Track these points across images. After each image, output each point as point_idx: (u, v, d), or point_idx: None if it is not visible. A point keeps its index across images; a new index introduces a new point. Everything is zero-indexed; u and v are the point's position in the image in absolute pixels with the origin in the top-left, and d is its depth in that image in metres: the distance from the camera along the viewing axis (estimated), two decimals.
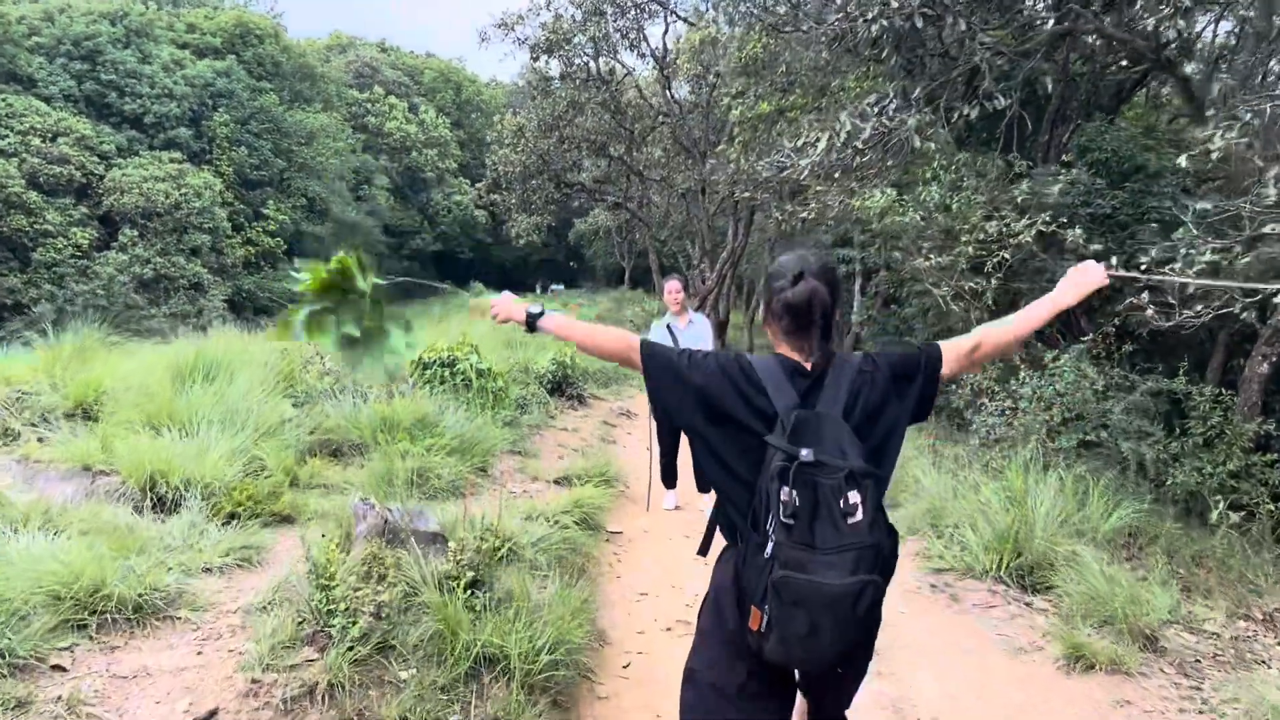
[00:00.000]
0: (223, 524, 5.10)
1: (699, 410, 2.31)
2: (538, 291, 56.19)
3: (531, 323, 2.62)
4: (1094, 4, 9.86)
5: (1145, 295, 7.26)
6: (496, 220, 44.00)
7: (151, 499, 5.23)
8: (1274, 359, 9.05)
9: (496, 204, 23.25)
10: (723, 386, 2.28)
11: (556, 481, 7.36)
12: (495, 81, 65.36)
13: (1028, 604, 5.51)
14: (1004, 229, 8.22)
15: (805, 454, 2.05)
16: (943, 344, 2.47)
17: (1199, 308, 7.24)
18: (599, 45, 19.63)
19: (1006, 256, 8.19)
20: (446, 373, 8.52)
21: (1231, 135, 5.68)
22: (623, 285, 46.60)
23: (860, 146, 9.37)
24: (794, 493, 2.03)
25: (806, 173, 9.54)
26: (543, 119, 19.89)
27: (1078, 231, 7.94)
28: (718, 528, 2.42)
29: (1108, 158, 11.11)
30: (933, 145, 8.84)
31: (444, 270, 59.41)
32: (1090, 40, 11.78)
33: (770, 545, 2.05)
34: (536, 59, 20.24)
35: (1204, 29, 11.08)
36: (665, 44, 21.51)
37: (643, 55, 21.43)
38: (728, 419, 2.27)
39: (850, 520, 2.04)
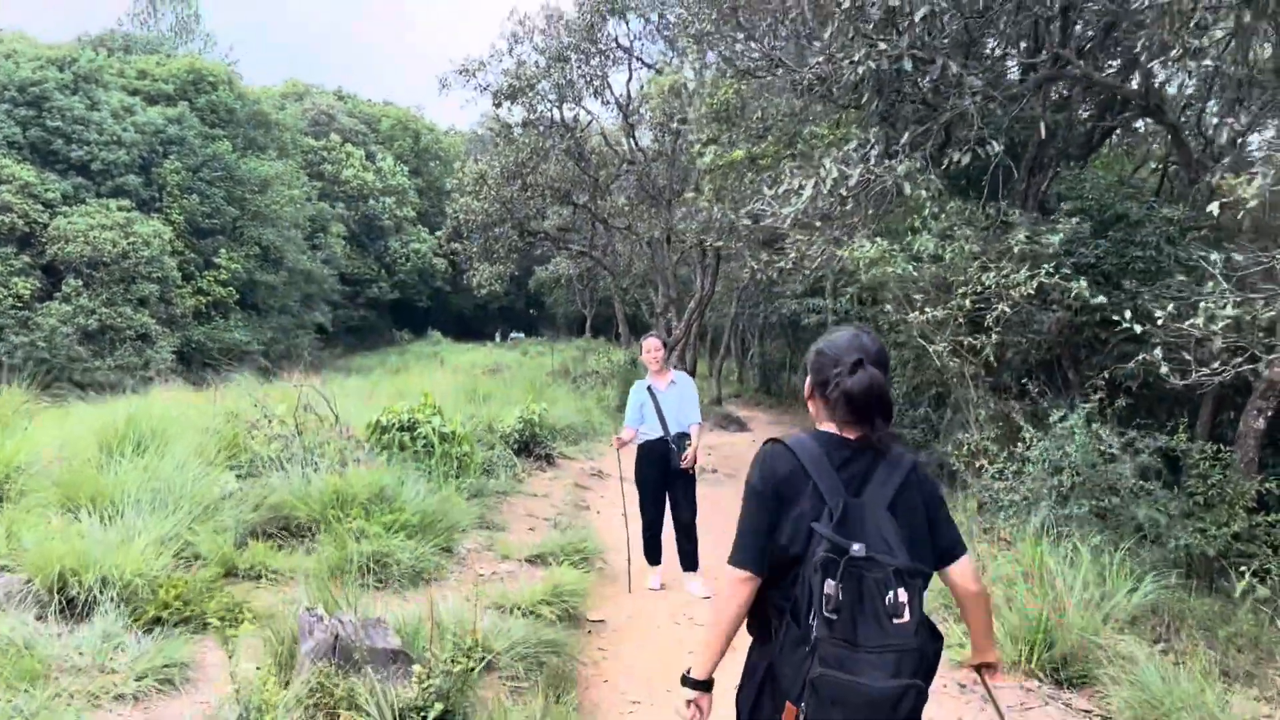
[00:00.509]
0: (145, 631, 4.35)
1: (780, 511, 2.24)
2: (497, 339, 55.43)
3: (696, 684, 2.37)
4: (1069, 47, 9.57)
5: (1158, 351, 6.81)
6: (455, 268, 43.26)
7: (60, 602, 4.46)
8: (1269, 413, 8.66)
9: (457, 252, 22.60)
10: (790, 483, 2.22)
11: (530, 560, 6.66)
12: (454, 130, 65.05)
13: (1067, 703, 4.91)
14: (1001, 280, 7.75)
15: (856, 549, 2.02)
16: (965, 560, 2.40)
17: (1215, 365, 6.81)
18: (563, 92, 19.22)
19: (1006, 310, 7.71)
20: (406, 437, 7.82)
21: (1267, 182, 5.24)
22: (584, 334, 46.04)
23: (845, 194, 8.92)
24: (839, 586, 1.99)
25: (789, 221, 9.06)
26: (505, 166, 19.37)
27: (1081, 283, 7.49)
28: (752, 616, 2.31)
29: (1088, 206, 10.79)
30: (924, 193, 8.39)
31: (401, 319, 58.50)
32: (1060, 89, 11.54)
33: (811, 639, 1.99)
34: (499, 105, 19.76)
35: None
36: (630, 91, 21.20)
37: (606, 102, 21.05)
38: (790, 505, 2.21)
39: (896, 620, 1.98)
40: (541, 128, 19.97)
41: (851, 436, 2.26)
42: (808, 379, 2.43)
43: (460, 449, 7.99)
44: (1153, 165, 16.91)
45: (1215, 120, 8.80)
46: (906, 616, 1.99)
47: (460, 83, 19.99)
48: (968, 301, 7.91)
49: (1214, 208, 5.63)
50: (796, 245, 10.32)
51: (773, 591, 2.23)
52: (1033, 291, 7.56)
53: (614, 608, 6.20)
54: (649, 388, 6.82)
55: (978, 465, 8.17)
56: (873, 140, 9.20)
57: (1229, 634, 5.92)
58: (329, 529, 6.01)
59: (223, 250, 42.49)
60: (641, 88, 21.47)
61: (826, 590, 1.98)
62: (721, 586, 2.32)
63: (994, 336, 7.76)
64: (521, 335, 56.28)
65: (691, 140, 15.77)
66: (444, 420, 8.10)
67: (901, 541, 2.10)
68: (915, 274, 8.11)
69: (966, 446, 8.48)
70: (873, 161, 8.72)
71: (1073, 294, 7.53)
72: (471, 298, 60.21)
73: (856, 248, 8.30)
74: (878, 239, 8.21)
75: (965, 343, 8.06)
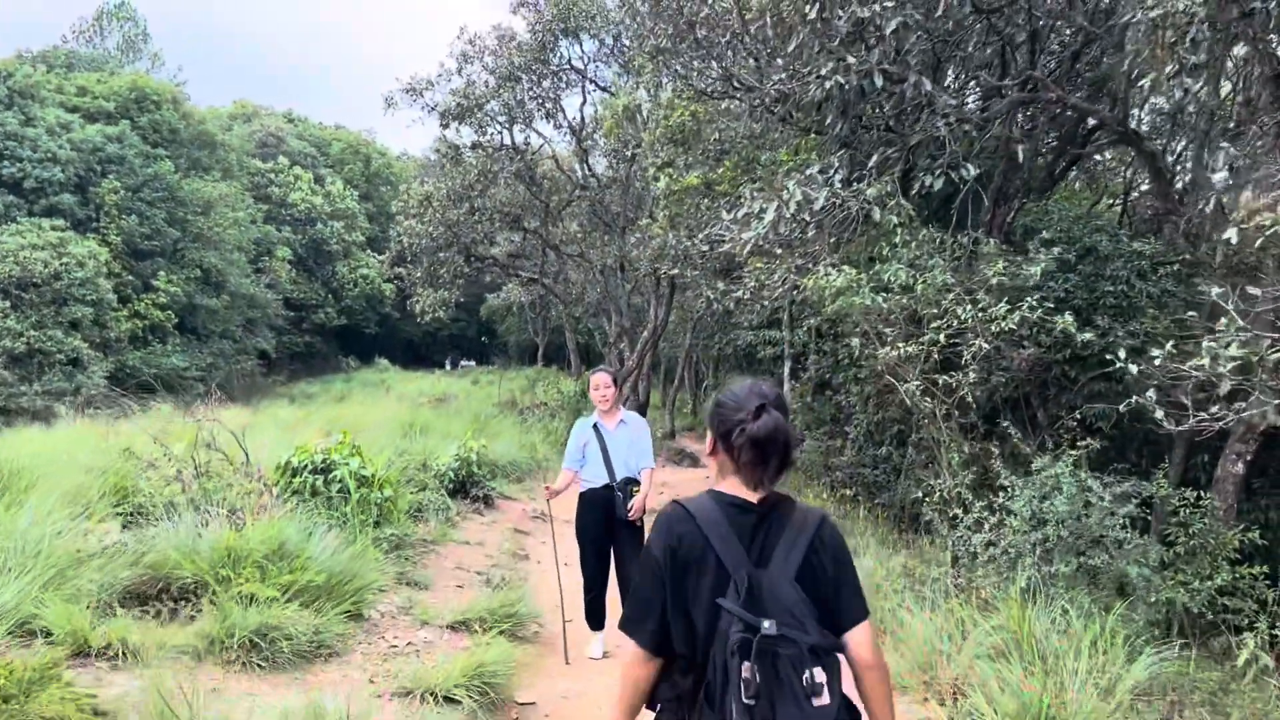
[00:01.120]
0: None
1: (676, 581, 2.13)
2: (447, 367, 54.30)
3: None
4: (1037, 71, 9.08)
5: (1152, 394, 6.20)
6: (404, 294, 42.15)
7: None
8: (1248, 457, 8.14)
9: (402, 278, 21.68)
10: (690, 551, 2.10)
11: (453, 626, 5.82)
12: (406, 155, 63.99)
13: None
14: (979, 314, 7.13)
15: (768, 626, 1.92)
16: (865, 627, 2.17)
17: (1215, 409, 6.22)
18: (513, 113, 18.51)
19: (983, 345, 7.08)
20: (319, 481, 6.95)
21: None
22: (537, 363, 45.15)
23: (808, 219, 8.28)
24: (755, 669, 1.88)
25: (749, 247, 8.39)
26: (452, 188, 18.56)
27: (1067, 319, 6.88)
28: (654, 700, 2.19)
29: (1057, 238, 10.30)
30: (894, 219, 7.77)
31: (348, 345, 57.14)
32: (1026, 116, 11.09)
33: None
34: (446, 126, 19.01)
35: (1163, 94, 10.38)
36: (583, 115, 20.57)
37: (559, 126, 20.41)
38: (691, 576, 2.10)
39: (815, 701, 1.88)
40: (491, 150, 19.23)
41: (753, 499, 2.15)
42: (708, 436, 2.28)
43: (381, 494, 7.14)
44: (1109, 200, 16.64)
45: (1211, 147, 8.29)
46: (826, 698, 1.89)
47: (407, 102, 19.27)
48: (941, 336, 7.27)
49: (1231, 234, 5.02)
50: (755, 274, 9.66)
51: (676, 674, 2.13)
52: (1014, 326, 6.94)
53: (548, 685, 5.38)
54: (595, 425, 6.04)
55: (951, 515, 7.50)
56: (836, 164, 8.59)
57: (1244, 716, 5.28)
58: (217, 591, 5.14)
59: (162, 273, 41.06)
60: (595, 111, 20.88)
61: (744, 674, 1.88)
62: (622, 668, 2.21)
63: (971, 374, 7.12)
64: (472, 364, 55.22)
65: (646, 165, 15.16)
66: (363, 461, 7.23)
67: (811, 613, 2.00)
68: (884, 305, 7.46)
69: (939, 493, 7.81)
70: (838, 185, 8.09)
71: (1056, 329, 6.93)
72: (421, 325, 59.12)
73: (821, 276, 7.63)
74: (845, 267, 7.56)
75: (940, 381, 7.40)
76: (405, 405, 25.20)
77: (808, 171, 8.53)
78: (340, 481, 6.92)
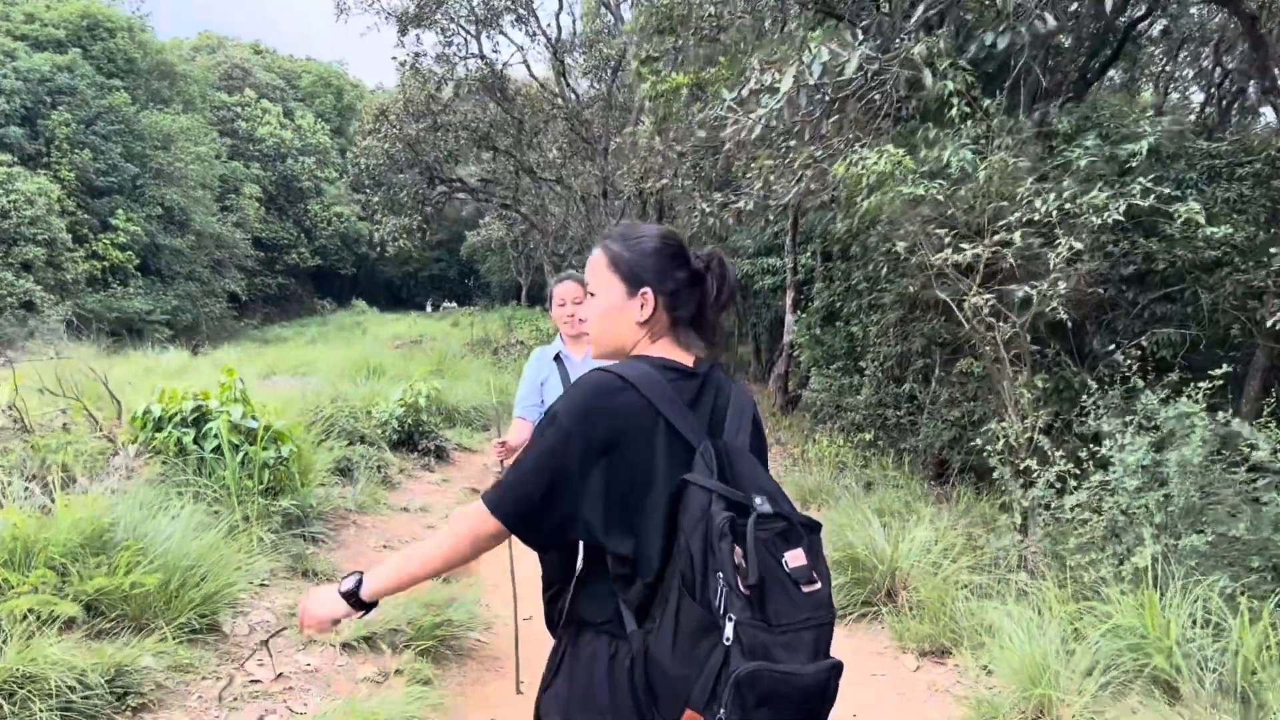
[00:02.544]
0: None
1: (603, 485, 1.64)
2: (428, 310, 52.34)
3: (357, 602, 1.79)
4: None
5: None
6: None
7: None
8: None
9: (365, 205, 19.67)
10: (627, 430, 1.65)
11: (354, 647, 4.08)
12: (380, 88, 61.13)
13: None
14: (1069, 204, 5.33)
15: (760, 503, 1.56)
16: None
17: None
18: (478, 13, 16.37)
19: (1077, 246, 5.30)
20: (189, 437, 5.18)
21: None
22: (520, 302, 43.21)
23: (831, 95, 6.46)
24: (746, 554, 1.50)
25: (758, 131, 6.55)
26: (410, 99, 16.49)
27: (1194, 206, 5.10)
28: (584, 605, 1.73)
29: (1110, 133, 8.56)
30: (949, 85, 5.93)
31: (324, 287, 55.06)
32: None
33: (729, 626, 1.46)
34: (404, 33, 16.90)
35: None
36: (559, 24, 18.46)
37: (533, 34, 18.30)
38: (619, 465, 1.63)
39: (806, 589, 1.54)
40: (456, 60, 17.15)
41: (689, 363, 1.78)
42: (619, 286, 1.80)
43: (278, 452, 5.37)
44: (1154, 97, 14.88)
45: None
46: (818, 584, 1.55)
47: (360, 6, 17.06)
48: (1017, 235, 5.48)
49: None
50: (762, 171, 7.83)
51: (611, 588, 1.67)
52: (1120, 217, 5.15)
53: None
54: (558, 357, 4.22)
55: (1026, 468, 5.79)
56: (870, 20, 6.74)
57: None
58: None
59: (120, 211, 38.83)
60: (574, 24, 18.78)
61: (736, 560, 1.48)
62: (464, 522, 1.71)
63: (1060, 285, 5.35)
64: (454, 305, 53.21)
65: (629, 62, 13.18)
66: (250, 409, 5.45)
67: (781, 488, 1.65)
68: (939, 197, 5.65)
69: (1003, 439, 6.09)
70: (876, 44, 6.25)
71: (1179, 220, 5.15)
72: (400, 265, 56.97)
73: (856, 161, 5.81)
74: (888, 148, 5.73)
75: (1021, 293, 5.63)
76: (378, 347, 23.53)
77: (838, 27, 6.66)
78: (216, 438, 5.16)
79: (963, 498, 8.11)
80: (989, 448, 6.23)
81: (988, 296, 5.55)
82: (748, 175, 9.31)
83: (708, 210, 9.94)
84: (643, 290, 1.78)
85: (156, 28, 46.96)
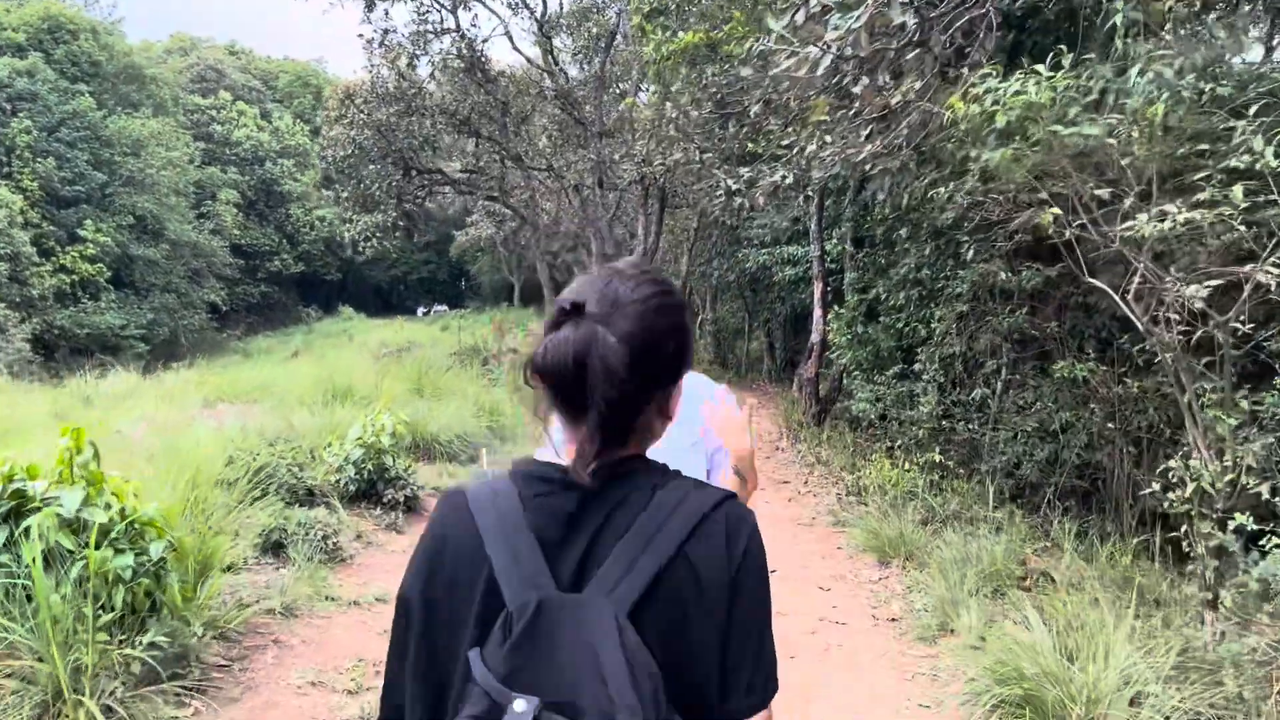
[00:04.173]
0: None
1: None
2: (419, 314, 50.47)
3: None
4: None
5: None
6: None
7: None
8: None
9: (334, 201, 17.81)
10: (454, 576, 1.17)
11: None
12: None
13: None
14: None
15: (520, 706, 1.02)
16: None
17: None
18: None
19: None
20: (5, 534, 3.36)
21: None
22: (513, 304, 41.36)
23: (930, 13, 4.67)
24: None
25: (829, 60, 4.73)
26: (379, 80, 14.62)
27: None
28: None
29: None
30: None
31: (309, 294, 53.17)
32: None
33: None
34: (371, 8, 15.04)
35: None
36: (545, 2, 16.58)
37: (515, 7, 16.45)
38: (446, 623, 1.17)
39: None
40: (431, 37, 15.30)
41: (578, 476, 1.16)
42: None
43: (138, 556, 3.53)
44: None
45: None
46: None
47: None
48: (1237, 190, 3.67)
49: None
50: (814, 130, 6.01)
51: None
52: None
53: None
54: None
55: (1215, 517, 3.99)
56: None
57: None
58: None
59: (89, 221, 37.01)
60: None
61: None
62: None
63: None
64: (444, 308, 51.35)
65: (625, 25, 11.39)
66: (99, 490, 3.61)
67: (648, 684, 1.03)
68: (1112, 140, 3.82)
69: (1193, 480, 4.28)
70: None
71: None
72: (388, 269, 55.05)
73: (992, 88, 3.98)
74: (1038, 68, 3.90)
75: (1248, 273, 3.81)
76: (363, 356, 21.78)
77: None
78: (45, 537, 3.35)
79: (1060, 532, 6.36)
80: (1171, 495, 4.41)
81: (1203, 285, 3.72)
82: (785, 141, 7.51)
83: (734, 187, 8.10)
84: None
85: (129, 32, 45.06)
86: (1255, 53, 5.99)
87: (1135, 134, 3.97)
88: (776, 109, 8.16)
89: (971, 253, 6.66)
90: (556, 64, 17.37)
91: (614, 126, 14.36)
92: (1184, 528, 4.47)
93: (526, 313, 34.29)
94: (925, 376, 9.40)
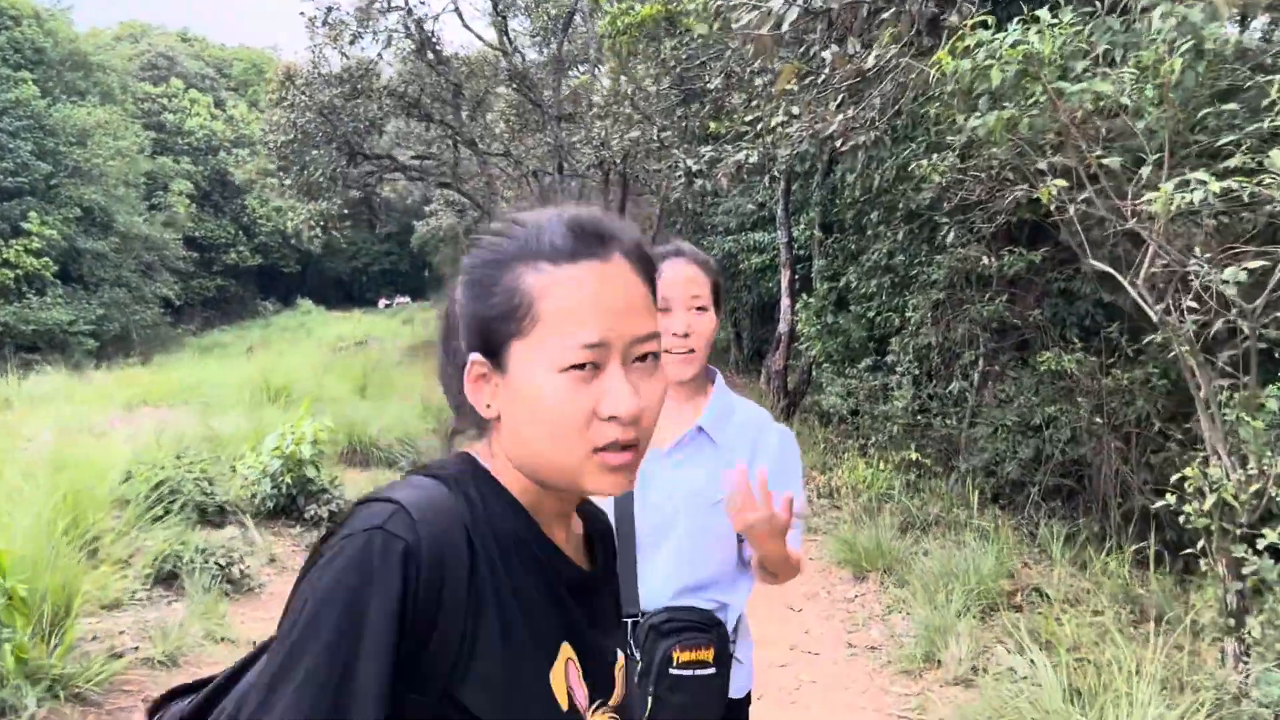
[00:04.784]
0: None
1: None
2: (380, 307, 49.46)
3: None
4: None
5: None
6: (325, 229, 36.49)
7: None
8: None
9: (277, 189, 16.98)
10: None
11: None
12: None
13: None
14: None
15: None
16: None
17: None
18: None
19: None
20: None
21: None
22: None
23: None
24: None
25: (795, 13, 4.14)
26: (320, 60, 13.85)
27: None
28: None
29: None
30: None
31: (268, 287, 51.92)
32: None
33: None
34: None
35: None
36: None
37: None
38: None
39: None
40: (377, 15, 14.53)
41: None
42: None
43: None
44: None
45: None
46: None
47: None
48: (1275, 155, 3.12)
49: None
50: (780, 101, 5.41)
51: None
52: None
53: None
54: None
55: (1238, 532, 3.46)
56: None
57: None
58: None
59: (33, 214, 35.66)
60: None
61: None
62: None
63: None
64: (407, 299, 50.35)
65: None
66: None
67: None
68: (1131, 100, 3.26)
69: (1213, 491, 3.75)
70: None
71: None
72: (348, 260, 53.95)
73: (985, 40, 3.40)
74: (1041, 12, 3.32)
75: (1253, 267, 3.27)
76: (322, 352, 21.01)
77: None
78: None
79: (1047, 540, 5.85)
80: (1188, 508, 3.87)
81: (1239, 269, 3.16)
82: (749, 118, 6.90)
83: (695, 168, 7.49)
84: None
85: (79, 19, 43.62)
86: None
87: (1148, 92, 3.40)
88: (739, 83, 7.57)
89: (951, 236, 6.09)
90: (513, 45, 16.66)
91: (568, 104, 13.68)
92: (1200, 544, 3.94)
93: None
94: (899, 369, 8.88)
